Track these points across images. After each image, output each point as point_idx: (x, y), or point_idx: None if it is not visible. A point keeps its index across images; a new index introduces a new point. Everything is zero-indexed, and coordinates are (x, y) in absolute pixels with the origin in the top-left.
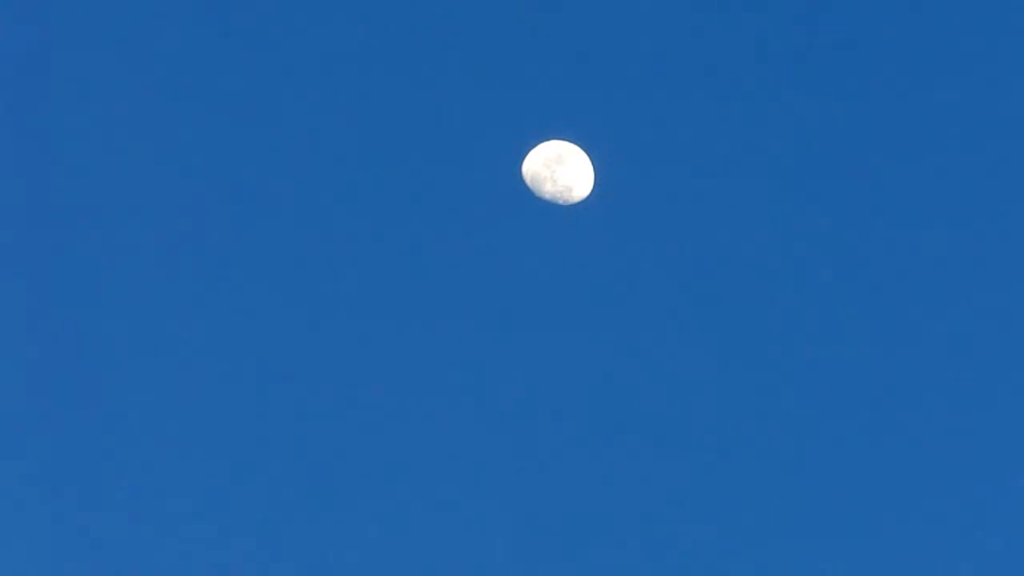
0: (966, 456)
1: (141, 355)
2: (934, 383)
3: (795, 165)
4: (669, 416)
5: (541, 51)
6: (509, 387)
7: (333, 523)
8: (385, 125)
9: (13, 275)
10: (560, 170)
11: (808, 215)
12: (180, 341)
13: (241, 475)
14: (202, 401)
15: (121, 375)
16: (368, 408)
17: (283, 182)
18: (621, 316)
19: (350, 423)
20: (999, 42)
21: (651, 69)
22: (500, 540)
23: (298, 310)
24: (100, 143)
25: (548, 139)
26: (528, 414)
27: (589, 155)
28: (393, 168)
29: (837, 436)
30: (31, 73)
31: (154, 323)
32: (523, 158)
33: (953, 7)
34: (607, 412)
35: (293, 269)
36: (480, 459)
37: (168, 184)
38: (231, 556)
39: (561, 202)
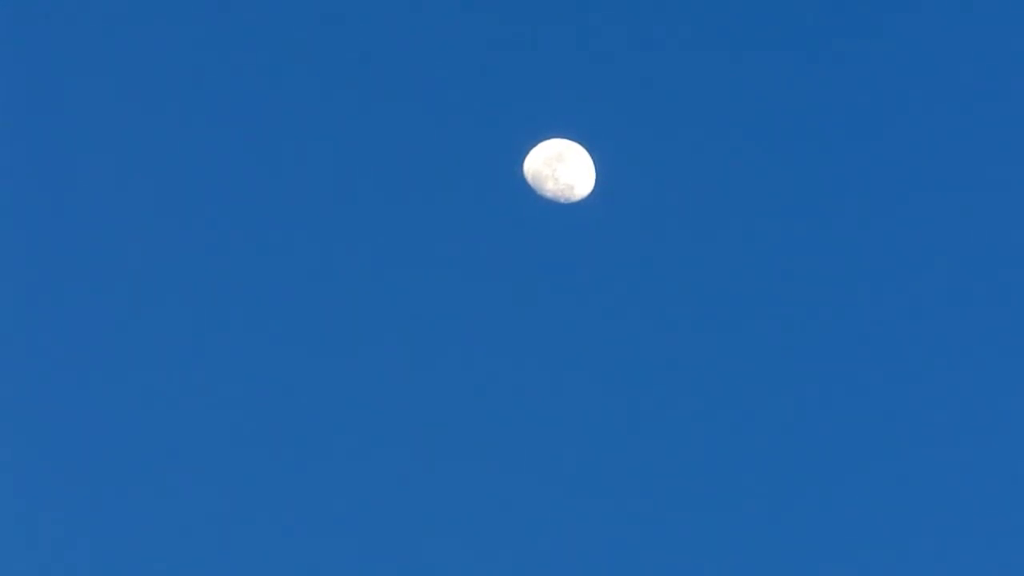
0: (965, 461)
1: (142, 356)
2: (935, 390)
3: (799, 164)
4: (670, 415)
5: (542, 49)
6: (510, 386)
7: (331, 520)
8: (385, 124)
9: (13, 275)
10: (561, 168)
11: (811, 214)
12: (182, 341)
13: (243, 474)
14: (204, 401)
15: (121, 375)
16: (367, 407)
17: (283, 181)
18: (622, 315)
19: (349, 422)
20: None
21: (653, 67)
22: (497, 540)
23: (297, 309)
24: (99, 144)
25: (549, 137)
26: (529, 413)
27: (591, 153)
28: (393, 167)
29: (840, 437)
30: (31, 73)
31: (158, 324)
32: (524, 156)
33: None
34: (609, 410)
35: (292, 268)
36: (480, 458)
37: (168, 184)
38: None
39: (562, 200)
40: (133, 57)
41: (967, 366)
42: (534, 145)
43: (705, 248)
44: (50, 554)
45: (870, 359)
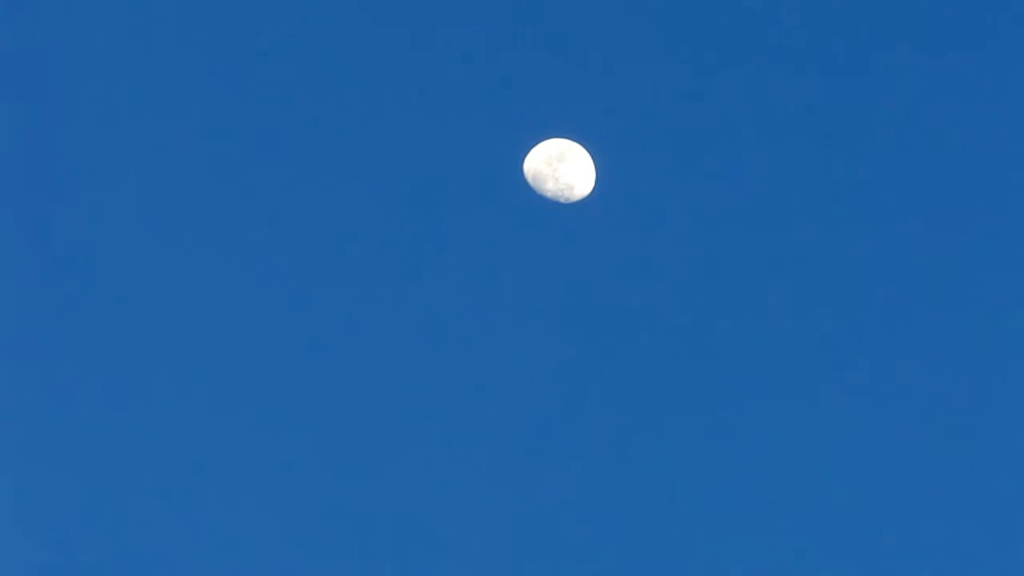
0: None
1: (143, 355)
2: (936, 393)
3: (798, 164)
4: (671, 414)
5: (543, 49)
6: (509, 385)
7: (330, 518)
8: (386, 123)
9: (13, 275)
10: (562, 168)
11: (811, 214)
12: (181, 341)
13: (244, 475)
14: (204, 402)
15: (121, 375)
16: (368, 406)
17: (284, 181)
18: (622, 315)
19: (349, 420)
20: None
21: (653, 67)
22: (496, 539)
23: (297, 308)
24: (98, 144)
25: (550, 137)
26: (528, 413)
27: (591, 153)
28: (394, 166)
29: (842, 437)
30: (30, 73)
31: (158, 324)
32: (524, 156)
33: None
34: (608, 410)
35: (292, 267)
36: (480, 458)
37: (171, 183)
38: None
39: (562, 200)
40: (133, 56)
41: (962, 368)
42: (534, 145)
43: (704, 248)
44: (50, 553)
45: (869, 357)
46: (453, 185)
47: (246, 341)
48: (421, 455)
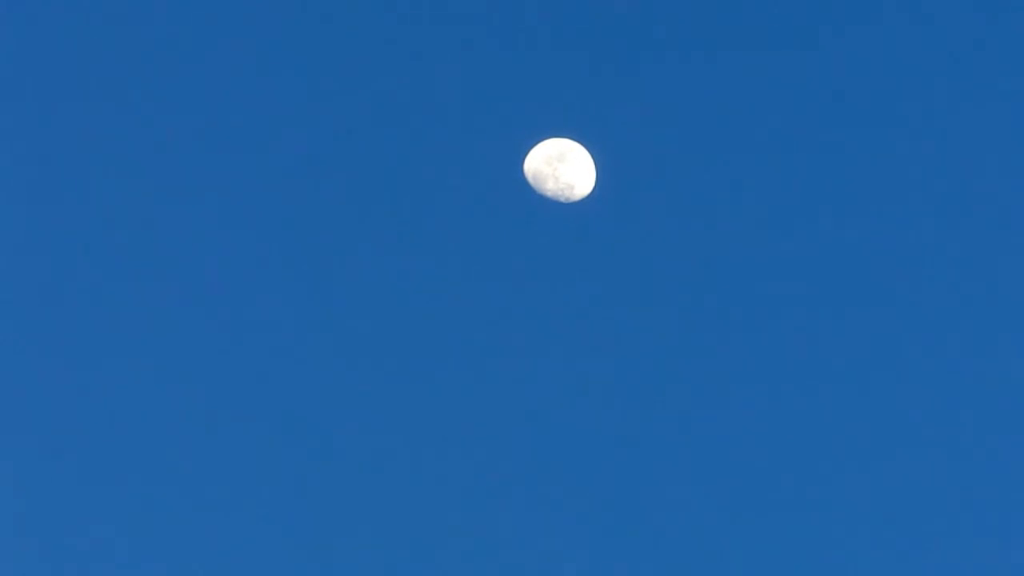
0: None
1: (145, 356)
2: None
3: (796, 162)
4: (671, 414)
5: (543, 49)
6: (509, 385)
7: (330, 519)
8: (387, 123)
9: (13, 275)
10: (562, 168)
11: (810, 213)
12: (178, 342)
13: (246, 476)
14: (207, 403)
15: (122, 375)
16: (368, 406)
17: (284, 180)
18: (622, 314)
19: (350, 421)
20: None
21: (653, 67)
22: (497, 539)
23: (299, 309)
24: (98, 144)
25: (550, 137)
26: (529, 412)
27: (591, 153)
28: (395, 166)
29: (842, 434)
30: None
31: (157, 326)
32: (525, 156)
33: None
34: (608, 409)
35: (293, 268)
36: (480, 457)
37: (169, 186)
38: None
39: (563, 200)
40: (132, 57)
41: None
42: (534, 145)
43: (704, 247)
44: (48, 550)
45: (868, 356)
46: (454, 185)
47: (245, 342)
48: (421, 454)
